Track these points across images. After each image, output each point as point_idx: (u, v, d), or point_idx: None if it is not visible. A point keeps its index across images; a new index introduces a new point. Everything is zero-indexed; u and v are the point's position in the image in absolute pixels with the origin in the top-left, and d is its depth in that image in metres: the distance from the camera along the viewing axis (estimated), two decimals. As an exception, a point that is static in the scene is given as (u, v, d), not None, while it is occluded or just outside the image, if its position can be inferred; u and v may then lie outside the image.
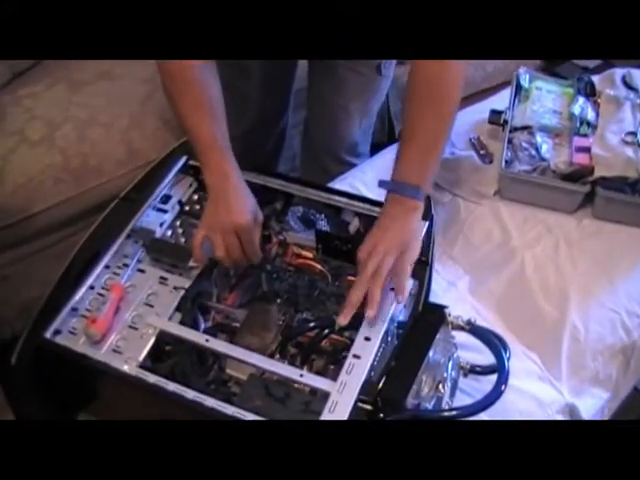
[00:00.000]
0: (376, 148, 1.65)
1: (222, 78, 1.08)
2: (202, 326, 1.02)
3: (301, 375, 0.91)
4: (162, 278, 1.05)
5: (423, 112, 1.03)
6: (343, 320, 0.95)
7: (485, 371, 1.02)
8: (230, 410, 0.87)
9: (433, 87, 1.03)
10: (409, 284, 0.98)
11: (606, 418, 1.14)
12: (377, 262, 0.96)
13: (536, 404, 1.12)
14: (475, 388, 1.08)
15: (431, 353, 0.91)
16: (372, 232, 1.02)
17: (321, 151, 1.64)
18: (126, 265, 1.06)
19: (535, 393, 1.13)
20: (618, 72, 1.55)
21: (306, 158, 1.74)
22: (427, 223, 1.08)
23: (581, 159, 1.37)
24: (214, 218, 1.03)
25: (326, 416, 0.86)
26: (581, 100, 1.48)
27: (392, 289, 0.98)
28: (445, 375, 0.96)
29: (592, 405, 1.15)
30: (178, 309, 1.01)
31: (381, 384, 0.88)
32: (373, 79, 1.47)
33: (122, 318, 0.99)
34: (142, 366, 0.94)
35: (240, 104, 1.50)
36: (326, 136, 1.62)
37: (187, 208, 1.17)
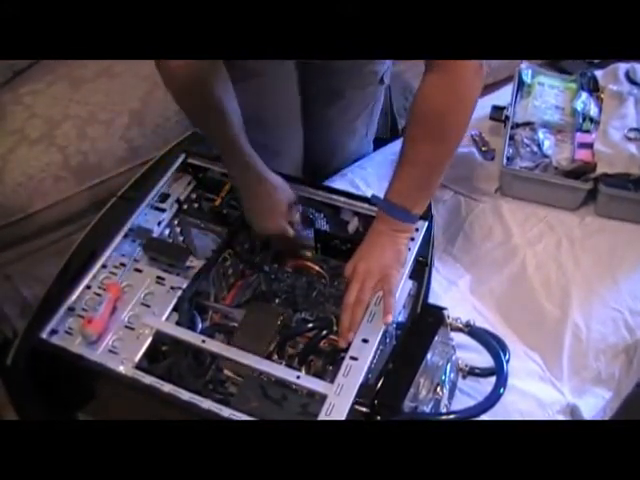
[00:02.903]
0: (378, 143, 1.63)
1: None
2: (199, 326, 1.01)
3: (298, 377, 0.91)
4: (159, 278, 1.04)
5: (427, 139, 0.98)
6: (344, 344, 0.94)
7: (484, 373, 1.01)
8: (226, 412, 0.87)
9: (440, 116, 0.97)
10: (395, 305, 0.96)
11: (607, 418, 1.13)
12: (358, 287, 0.97)
13: (537, 404, 1.11)
14: (475, 389, 1.07)
15: (429, 355, 0.90)
16: (360, 247, 1.02)
17: (323, 171, 1.56)
18: (123, 264, 1.05)
19: (536, 393, 1.12)
20: (622, 67, 1.53)
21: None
22: (426, 223, 1.07)
23: (583, 155, 1.36)
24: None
25: (323, 419, 0.85)
26: (584, 95, 1.46)
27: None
28: (443, 378, 0.95)
29: (594, 405, 1.14)
30: (175, 309, 1.00)
31: (378, 387, 0.87)
32: (376, 90, 1.44)
33: (118, 318, 0.99)
34: (138, 367, 0.94)
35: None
36: (329, 157, 1.55)
37: (185, 207, 1.16)
